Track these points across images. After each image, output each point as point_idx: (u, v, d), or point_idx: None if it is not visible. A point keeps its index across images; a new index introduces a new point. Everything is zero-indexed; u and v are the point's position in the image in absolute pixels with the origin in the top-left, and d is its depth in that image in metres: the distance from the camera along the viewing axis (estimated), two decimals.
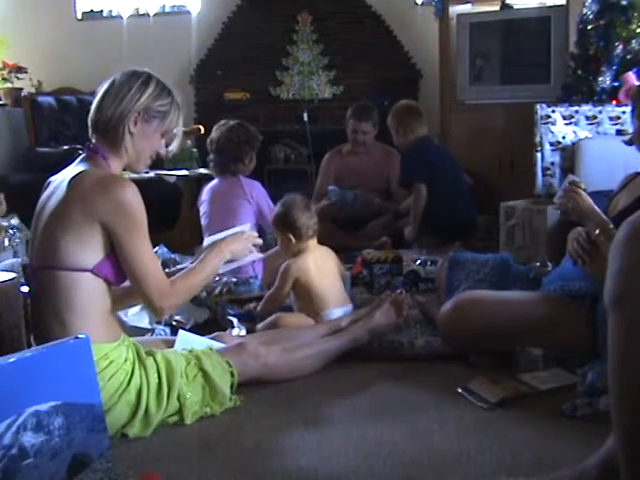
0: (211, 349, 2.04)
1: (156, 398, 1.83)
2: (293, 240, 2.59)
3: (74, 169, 1.87)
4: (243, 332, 2.44)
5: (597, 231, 2.18)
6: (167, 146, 2.01)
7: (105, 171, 1.86)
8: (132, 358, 1.85)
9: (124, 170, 2.00)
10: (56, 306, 1.80)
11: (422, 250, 3.70)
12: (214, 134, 3.46)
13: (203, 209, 3.46)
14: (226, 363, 1.99)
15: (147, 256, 1.84)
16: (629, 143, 2.34)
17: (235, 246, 2.12)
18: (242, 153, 3.39)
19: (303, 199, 2.68)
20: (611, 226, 2.15)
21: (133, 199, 1.80)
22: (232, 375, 1.99)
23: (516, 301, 2.30)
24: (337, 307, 2.57)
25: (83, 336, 1.51)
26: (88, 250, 1.79)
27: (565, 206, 2.30)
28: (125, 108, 1.88)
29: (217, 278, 2.84)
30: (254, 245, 2.20)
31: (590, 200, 2.26)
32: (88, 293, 1.80)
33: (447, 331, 2.32)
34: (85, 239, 1.78)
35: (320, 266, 2.59)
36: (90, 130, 1.93)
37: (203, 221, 3.44)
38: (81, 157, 1.93)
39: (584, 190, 2.29)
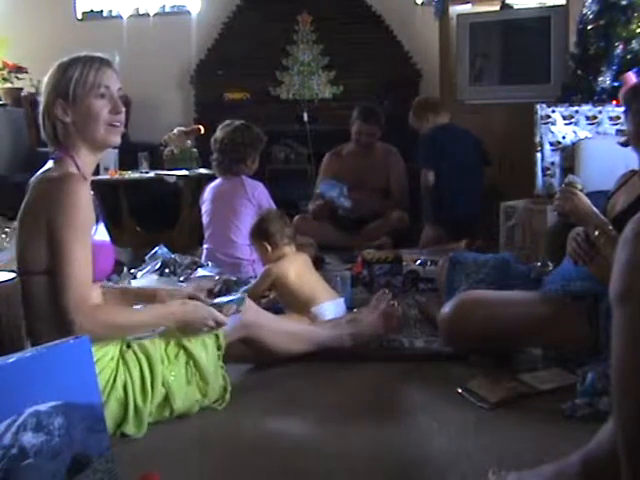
0: None
1: (141, 390, 1.82)
2: (269, 248, 2.69)
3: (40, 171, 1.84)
4: None
5: (596, 233, 2.17)
6: (112, 97, 1.84)
7: (62, 171, 1.79)
8: (117, 355, 1.82)
9: (100, 152, 1.90)
10: (40, 310, 1.78)
11: (422, 250, 3.70)
12: (218, 134, 3.46)
13: (205, 208, 3.46)
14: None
15: (77, 260, 1.71)
16: (625, 144, 2.32)
17: (191, 314, 1.89)
18: (245, 154, 3.39)
19: (277, 211, 2.88)
20: (610, 227, 2.14)
21: (77, 196, 1.71)
22: (217, 338, 1.96)
23: (517, 301, 2.30)
24: (327, 301, 2.58)
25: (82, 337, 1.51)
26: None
27: (562, 208, 2.29)
28: (48, 109, 1.83)
29: (217, 277, 2.84)
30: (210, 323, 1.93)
31: (588, 201, 2.24)
32: None
33: (447, 331, 2.32)
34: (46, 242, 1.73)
35: (300, 267, 2.67)
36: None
37: (204, 220, 3.45)
38: (51, 159, 1.87)
39: (581, 190, 2.28)
